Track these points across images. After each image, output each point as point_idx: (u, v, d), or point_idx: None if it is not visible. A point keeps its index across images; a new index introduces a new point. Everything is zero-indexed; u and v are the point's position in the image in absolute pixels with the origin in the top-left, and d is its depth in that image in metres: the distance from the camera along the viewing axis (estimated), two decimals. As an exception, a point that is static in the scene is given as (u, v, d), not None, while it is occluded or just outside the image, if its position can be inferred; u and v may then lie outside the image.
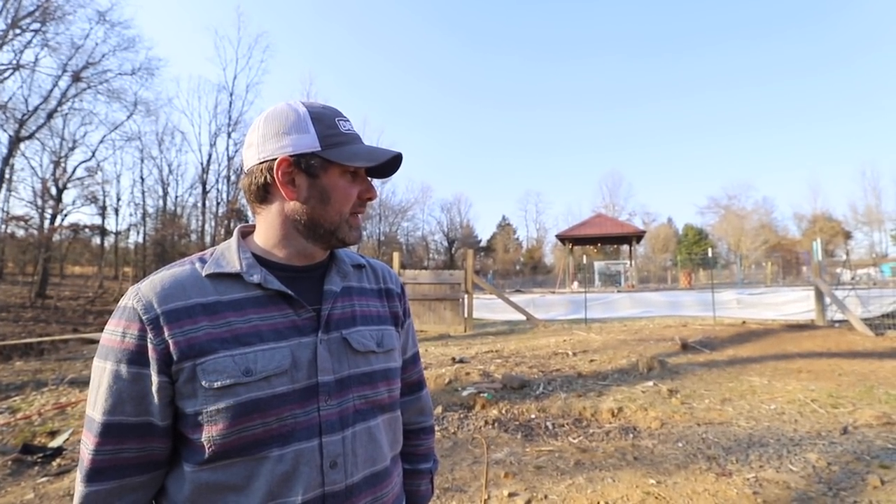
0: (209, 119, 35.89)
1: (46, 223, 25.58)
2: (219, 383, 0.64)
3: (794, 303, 10.83)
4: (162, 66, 33.75)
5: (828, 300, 9.37)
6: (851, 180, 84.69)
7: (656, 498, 2.66)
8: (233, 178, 35.85)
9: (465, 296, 10.75)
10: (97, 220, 32.55)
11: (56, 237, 26.19)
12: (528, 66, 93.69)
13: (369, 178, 0.80)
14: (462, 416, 4.28)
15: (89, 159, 28.99)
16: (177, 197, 37.33)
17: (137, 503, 0.67)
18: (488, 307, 12.63)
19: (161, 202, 36.58)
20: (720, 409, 4.31)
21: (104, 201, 32.92)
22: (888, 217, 44.92)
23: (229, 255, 0.73)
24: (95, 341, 11.32)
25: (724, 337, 7.87)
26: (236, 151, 35.89)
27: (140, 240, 36.06)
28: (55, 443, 3.97)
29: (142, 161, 34.77)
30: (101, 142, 29.47)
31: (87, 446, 0.65)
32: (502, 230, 61.36)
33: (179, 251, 34.96)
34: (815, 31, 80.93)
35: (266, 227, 0.76)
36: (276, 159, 0.71)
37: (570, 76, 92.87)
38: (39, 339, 11.54)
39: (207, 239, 35.58)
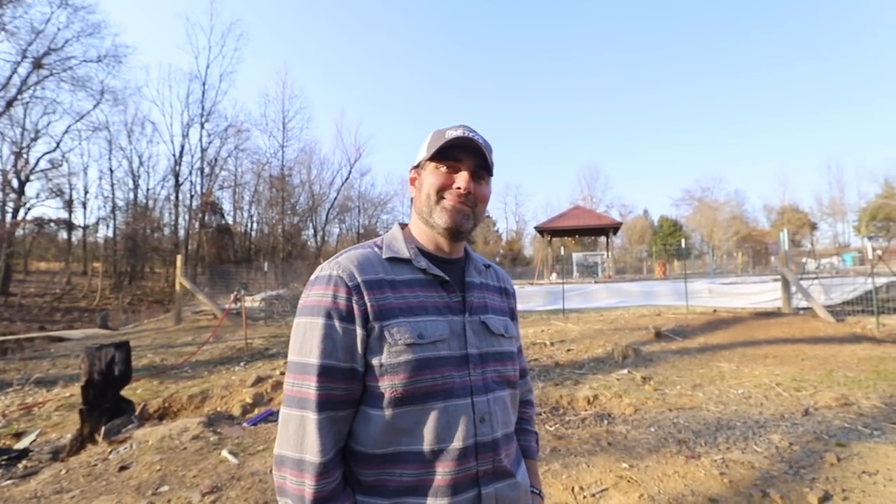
0: (181, 109, 34.82)
1: (8, 217, 24.49)
2: (401, 341, 0.79)
3: (763, 292, 11.21)
4: (130, 53, 32.61)
5: (793, 289, 9.73)
6: (817, 173, 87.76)
7: (629, 481, 2.74)
8: (206, 169, 34.94)
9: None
10: (63, 214, 31.35)
11: (19, 232, 25.11)
12: (508, 62, 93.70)
13: (472, 174, 0.90)
14: (441, 406, 4.31)
15: (53, 150, 27.79)
16: (148, 189, 36.12)
17: (341, 434, 0.80)
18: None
19: (132, 195, 35.35)
20: (691, 395, 4.45)
21: (70, 194, 31.66)
22: (851, 209, 46.87)
23: (398, 245, 0.90)
24: (64, 339, 10.94)
25: (696, 325, 8.11)
26: (210, 143, 34.95)
27: (110, 234, 34.86)
28: (21, 444, 3.85)
29: (110, 152, 33.48)
30: (66, 132, 28.27)
31: (309, 385, 0.77)
32: (482, 222, 61.52)
33: (152, 245, 33.92)
34: (784, 29, 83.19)
35: (412, 222, 0.96)
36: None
37: (550, 72, 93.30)
38: (3, 337, 11.09)
39: (181, 233, 34.64)
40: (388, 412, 0.78)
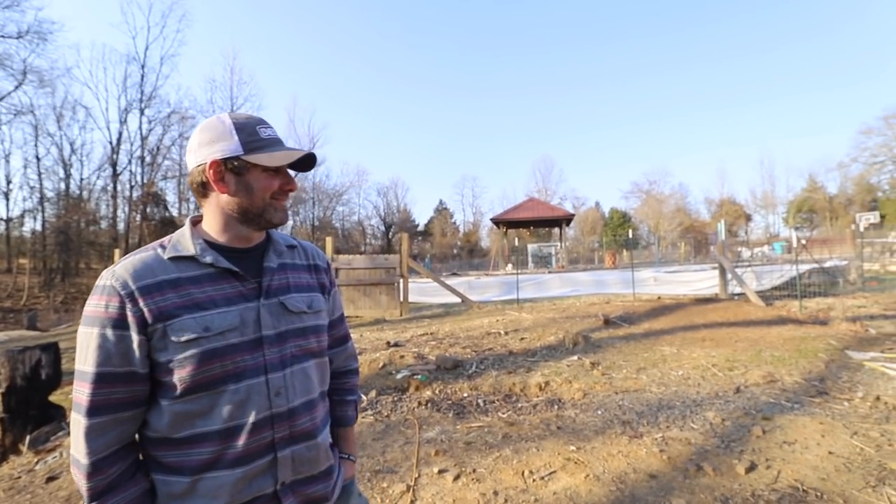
0: (118, 93, 32.56)
1: (-85, 209, 22.07)
2: (185, 338, 0.84)
3: (702, 280, 11.93)
4: (56, 29, 29.95)
5: (729, 276, 10.40)
6: (752, 168, 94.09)
7: (576, 463, 2.84)
8: (148, 158, 32.89)
9: (401, 280, 10.72)
10: (-18, 206, 28.59)
11: (-72, 225, 22.68)
12: (462, 55, 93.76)
13: (290, 172, 0.98)
14: (396, 398, 4.30)
15: (-33, 135, 25.24)
16: (82, 179, 33.64)
17: (126, 432, 0.86)
18: (424, 291, 12.71)
19: (63, 185, 32.80)
20: (636, 378, 4.67)
21: (-10, 184, 28.93)
22: (780, 201, 50.78)
23: (184, 242, 0.93)
24: (-16, 342, 10.01)
25: (642, 312, 8.51)
26: (151, 130, 32.90)
27: (38, 227, 32.18)
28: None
29: (36, 138, 30.88)
30: (-18, 115, 25.76)
31: (83, 392, 0.82)
32: (439, 214, 61.59)
33: (87, 239, 31.63)
34: (725, 25, 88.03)
35: (209, 216, 0.96)
36: (207, 162, 0.91)
37: (505, 65, 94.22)
38: (-89, 342, 10.02)
39: (121, 226, 32.50)
40: (181, 401, 0.85)
